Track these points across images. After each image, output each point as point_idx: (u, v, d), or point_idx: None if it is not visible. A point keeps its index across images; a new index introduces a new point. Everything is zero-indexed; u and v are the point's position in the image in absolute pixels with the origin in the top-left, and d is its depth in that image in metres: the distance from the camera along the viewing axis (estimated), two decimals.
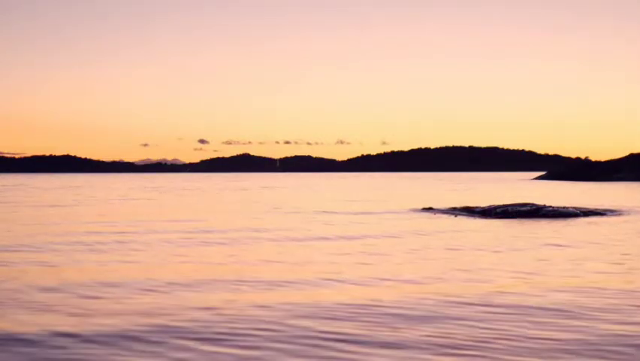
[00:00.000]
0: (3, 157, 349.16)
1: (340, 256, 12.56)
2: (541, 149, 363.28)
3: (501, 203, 26.45)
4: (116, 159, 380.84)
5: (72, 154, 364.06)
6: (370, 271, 10.58)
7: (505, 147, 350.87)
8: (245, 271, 10.39)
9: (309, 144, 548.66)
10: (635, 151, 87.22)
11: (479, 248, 13.73)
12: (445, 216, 23.42)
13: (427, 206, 27.92)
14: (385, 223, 20.39)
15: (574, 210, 23.87)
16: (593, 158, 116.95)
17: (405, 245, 14.27)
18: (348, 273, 10.30)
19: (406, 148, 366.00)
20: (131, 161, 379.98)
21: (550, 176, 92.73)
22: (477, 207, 25.62)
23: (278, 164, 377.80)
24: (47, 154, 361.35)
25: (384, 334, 6.50)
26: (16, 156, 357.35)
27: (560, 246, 14.09)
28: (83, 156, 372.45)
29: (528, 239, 15.58)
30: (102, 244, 14.48)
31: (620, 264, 11.40)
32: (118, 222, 20.93)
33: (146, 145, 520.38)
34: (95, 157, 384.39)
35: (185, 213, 25.35)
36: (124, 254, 12.77)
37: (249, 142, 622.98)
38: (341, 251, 13.20)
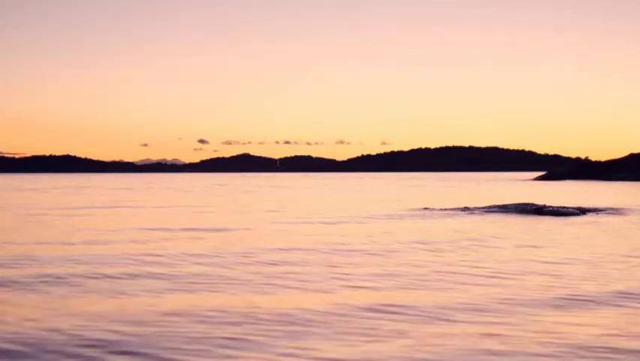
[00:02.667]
0: (3, 157, 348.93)
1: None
2: (541, 149, 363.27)
3: (501, 203, 26.46)
4: (116, 159, 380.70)
5: (72, 154, 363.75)
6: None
7: (505, 147, 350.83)
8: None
9: (309, 144, 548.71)
10: (635, 151, 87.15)
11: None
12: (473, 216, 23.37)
13: (461, 206, 27.91)
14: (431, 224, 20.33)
15: (574, 210, 23.85)
16: (593, 158, 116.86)
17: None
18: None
19: (406, 148, 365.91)
20: (130, 161, 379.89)
21: (551, 176, 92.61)
22: (475, 207, 25.62)
23: (278, 164, 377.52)
24: (47, 154, 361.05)
25: None
26: (16, 156, 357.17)
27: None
28: (83, 156, 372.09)
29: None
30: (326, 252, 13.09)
31: None
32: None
33: (146, 145, 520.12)
34: (95, 157, 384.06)
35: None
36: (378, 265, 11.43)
37: (249, 142, 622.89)
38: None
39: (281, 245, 14.04)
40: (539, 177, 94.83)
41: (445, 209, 25.74)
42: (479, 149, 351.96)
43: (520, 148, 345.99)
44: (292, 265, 11.23)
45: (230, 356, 5.83)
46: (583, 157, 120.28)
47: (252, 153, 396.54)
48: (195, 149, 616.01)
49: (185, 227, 18.96)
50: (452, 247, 13.83)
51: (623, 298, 8.31)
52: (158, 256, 12.41)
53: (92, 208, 29.17)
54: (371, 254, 12.59)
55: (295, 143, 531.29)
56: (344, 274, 10.24)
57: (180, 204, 32.49)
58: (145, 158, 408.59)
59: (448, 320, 7.09)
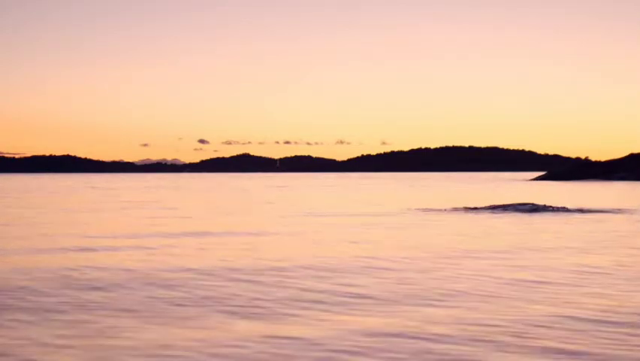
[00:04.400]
0: (3, 157, 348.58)
1: None
2: (541, 149, 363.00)
3: (501, 203, 26.52)
4: (116, 159, 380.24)
5: (72, 154, 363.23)
6: None
7: (505, 147, 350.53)
8: None
9: (309, 144, 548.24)
10: (635, 151, 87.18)
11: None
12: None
13: (461, 206, 27.94)
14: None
15: (574, 210, 23.92)
16: (593, 158, 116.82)
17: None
18: None
19: (406, 148, 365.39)
20: (130, 161, 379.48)
21: (550, 176, 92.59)
22: (475, 207, 25.69)
23: (278, 164, 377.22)
24: (47, 154, 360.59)
25: None
26: (16, 156, 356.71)
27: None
28: (83, 156, 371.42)
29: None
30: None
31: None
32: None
33: (146, 145, 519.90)
34: (95, 157, 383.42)
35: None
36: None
37: (249, 142, 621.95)
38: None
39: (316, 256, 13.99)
40: (539, 177, 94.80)
41: (446, 210, 25.80)
42: (479, 149, 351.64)
43: (520, 148, 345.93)
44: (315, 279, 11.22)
45: None
46: (583, 157, 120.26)
47: (251, 153, 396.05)
48: (195, 149, 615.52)
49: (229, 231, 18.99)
50: (457, 254, 13.88)
51: None
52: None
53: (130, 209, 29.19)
54: (377, 268, 12.02)
55: (295, 143, 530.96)
56: (349, 292, 10.23)
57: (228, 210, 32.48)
58: (145, 158, 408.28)
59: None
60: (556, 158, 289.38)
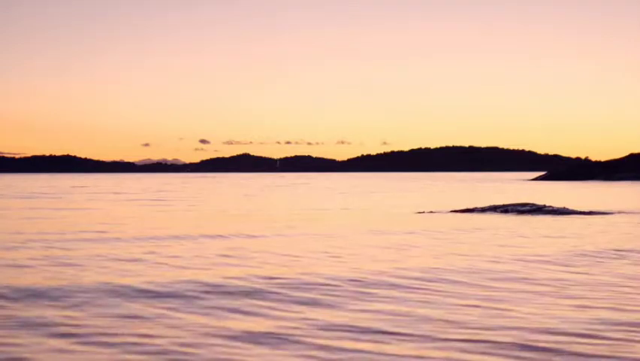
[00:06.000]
0: (3, 157, 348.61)
1: None
2: (541, 149, 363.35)
3: (500, 203, 26.53)
4: (116, 159, 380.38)
5: (72, 154, 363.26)
6: None
7: (505, 147, 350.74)
8: None
9: (309, 144, 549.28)
10: (635, 151, 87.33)
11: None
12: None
13: (462, 208, 27.96)
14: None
15: (574, 210, 23.92)
16: (593, 158, 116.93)
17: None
18: None
19: (406, 148, 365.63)
20: (131, 161, 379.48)
21: (550, 176, 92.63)
22: (475, 207, 25.70)
23: (278, 164, 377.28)
24: (47, 154, 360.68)
25: None
26: (16, 156, 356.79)
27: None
28: (83, 156, 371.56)
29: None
30: None
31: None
32: None
33: (146, 145, 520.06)
34: (95, 157, 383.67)
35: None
36: None
37: (250, 142, 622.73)
38: None
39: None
40: (539, 177, 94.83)
41: (446, 211, 25.82)
42: (479, 149, 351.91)
43: (520, 148, 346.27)
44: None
45: None
46: (583, 157, 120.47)
47: (252, 153, 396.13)
48: (196, 149, 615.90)
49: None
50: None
51: None
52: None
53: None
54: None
55: (296, 143, 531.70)
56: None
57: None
58: (146, 158, 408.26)
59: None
60: (556, 158, 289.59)
